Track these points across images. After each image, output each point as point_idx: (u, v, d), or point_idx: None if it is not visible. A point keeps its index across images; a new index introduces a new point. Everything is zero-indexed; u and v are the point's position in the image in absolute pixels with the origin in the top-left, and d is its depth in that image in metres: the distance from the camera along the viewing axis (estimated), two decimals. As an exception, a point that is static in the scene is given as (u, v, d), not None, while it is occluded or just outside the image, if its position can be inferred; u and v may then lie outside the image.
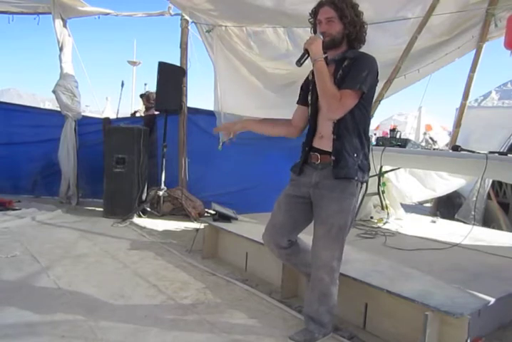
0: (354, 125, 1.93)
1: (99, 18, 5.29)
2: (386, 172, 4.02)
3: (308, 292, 2.09)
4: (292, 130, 2.21)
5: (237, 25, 4.72)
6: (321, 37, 1.94)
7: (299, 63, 1.95)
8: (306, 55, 1.94)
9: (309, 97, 2.08)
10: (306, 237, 2.20)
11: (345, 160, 1.91)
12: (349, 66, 1.91)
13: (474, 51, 4.39)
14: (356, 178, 1.93)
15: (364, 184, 2.06)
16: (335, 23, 1.93)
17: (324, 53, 1.97)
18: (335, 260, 1.97)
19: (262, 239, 2.20)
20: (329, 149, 1.95)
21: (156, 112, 5.51)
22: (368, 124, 2.04)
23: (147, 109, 6.04)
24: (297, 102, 2.19)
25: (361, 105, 1.93)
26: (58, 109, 5.34)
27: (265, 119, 2.25)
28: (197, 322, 2.21)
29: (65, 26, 5.20)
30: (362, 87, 1.86)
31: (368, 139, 2.02)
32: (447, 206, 4.95)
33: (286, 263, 2.38)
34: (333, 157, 1.93)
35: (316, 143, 2.03)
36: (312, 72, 2.00)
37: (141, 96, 6.32)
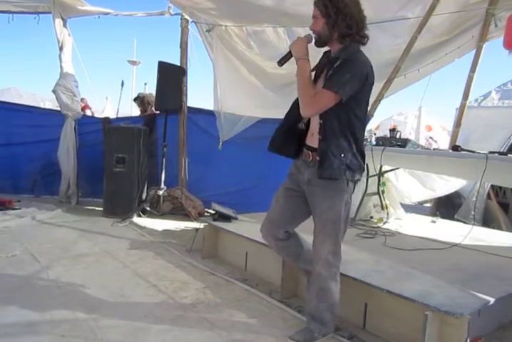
0: (340, 127, 1.93)
1: (99, 17, 5.29)
2: (386, 171, 4.02)
3: (309, 290, 2.11)
4: None
5: (237, 24, 4.73)
6: (310, 37, 1.99)
7: (280, 63, 2.04)
8: (289, 56, 2.00)
9: None
10: (307, 237, 2.20)
11: (330, 161, 1.91)
12: (338, 67, 1.90)
13: (474, 51, 4.40)
14: (344, 178, 1.94)
15: (357, 183, 2.06)
16: (318, 19, 1.95)
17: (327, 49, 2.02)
18: (330, 254, 1.98)
19: (260, 231, 2.21)
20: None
21: (156, 112, 5.51)
22: (359, 125, 1.99)
23: (142, 112, 6.00)
24: None
25: (348, 107, 1.92)
26: (58, 109, 5.34)
27: None
28: (197, 321, 2.21)
29: (65, 25, 5.20)
30: (340, 90, 1.84)
31: (358, 139, 1.99)
32: (447, 206, 4.95)
33: (284, 257, 2.38)
34: (318, 157, 1.95)
35: (309, 140, 2.06)
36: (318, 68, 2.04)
37: (135, 100, 6.26)
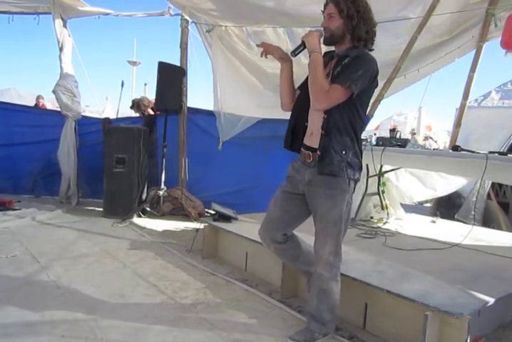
0: (343, 124, 1.93)
1: (99, 18, 5.29)
2: (386, 172, 4.02)
3: (309, 290, 2.10)
4: (289, 104, 2.17)
5: (237, 25, 4.73)
6: (323, 32, 1.96)
7: (294, 53, 1.98)
8: (302, 47, 1.97)
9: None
10: (307, 237, 2.20)
11: (331, 157, 1.91)
12: (348, 64, 1.91)
13: (474, 51, 4.40)
14: (346, 175, 1.93)
15: (357, 182, 2.06)
16: (335, 18, 1.94)
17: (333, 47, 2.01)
18: (331, 255, 1.97)
19: (258, 234, 2.21)
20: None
21: (151, 113, 5.52)
22: (360, 124, 2.01)
23: (144, 114, 6.00)
24: (297, 88, 2.17)
25: (352, 105, 1.92)
26: (58, 109, 5.35)
27: (291, 81, 2.14)
28: (197, 322, 2.21)
29: (65, 26, 5.20)
30: (352, 85, 1.85)
31: (358, 138, 2.01)
32: (447, 206, 4.95)
33: (283, 259, 2.37)
34: (318, 152, 1.94)
35: (308, 141, 2.04)
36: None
37: (131, 107, 6.25)
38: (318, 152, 1.94)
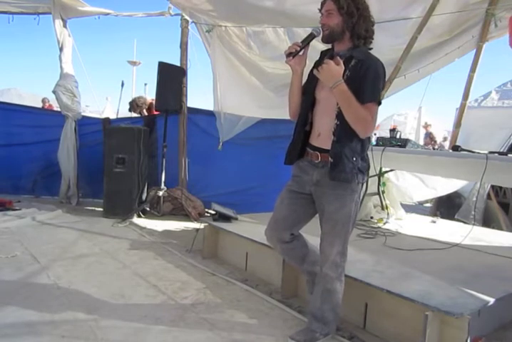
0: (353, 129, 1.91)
1: (99, 18, 5.30)
2: (386, 172, 4.02)
3: (311, 291, 2.10)
4: (296, 112, 2.14)
5: (237, 25, 4.73)
6: (318, 31, 1.95)
7: (292, 56, 1.98)
8: (302, 52, 1.96)
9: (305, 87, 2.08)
10: (310, 238, 2.20)
11: (343, 165, 1.89)
12: (357, 67, 1.87)
13: (474, 51, 4.39)
14: (356, 180, 1.93)
15: (364, 184, 2.06)
16: (334, 15, 1.91)
17: (332, 46, 2.00)
18: (338, 255, 1.97)
19: (265, 234, 2.19)
20: (329, 148, 1.93)
21: (156, 112, 5.52)
22: None
23: (140, 114, 6.01)
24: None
25: None
26: (58, 109, 5.35)
27: (300, 91, 2.11)
28: (197, 322, 2.21)
29: (65, 26, 5.21)
30: (380, 97, 1.90)
31: (367, 142, 2.01)
32: (447, 206, 4.95)
33: (289, 259, 2.34)
34: (331, 160, 1.91)
35: (315, 141, 2.02)
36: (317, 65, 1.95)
37: (129, 110, 6.24)
38: (330, 158, 1.91)
